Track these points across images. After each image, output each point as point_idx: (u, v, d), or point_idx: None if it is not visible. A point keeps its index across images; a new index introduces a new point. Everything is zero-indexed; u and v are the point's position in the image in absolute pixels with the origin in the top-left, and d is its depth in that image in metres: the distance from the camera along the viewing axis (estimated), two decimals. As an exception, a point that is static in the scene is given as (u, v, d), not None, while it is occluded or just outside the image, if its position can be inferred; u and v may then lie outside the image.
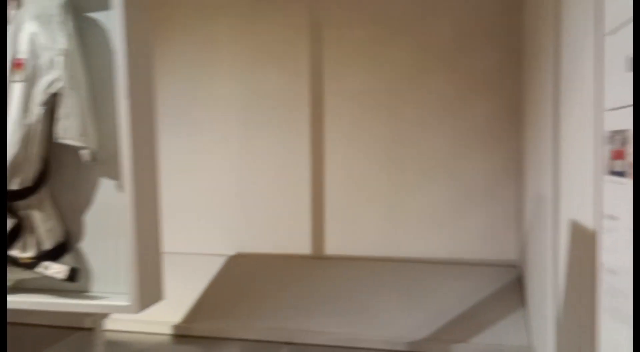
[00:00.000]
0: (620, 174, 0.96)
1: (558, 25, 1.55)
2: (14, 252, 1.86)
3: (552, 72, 1.62)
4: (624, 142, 0.94)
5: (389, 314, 3.03)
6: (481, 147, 3.44)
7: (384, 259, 3.66)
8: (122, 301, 1.82)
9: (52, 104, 1.77)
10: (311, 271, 3.62)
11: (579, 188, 1.23)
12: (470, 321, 2.86)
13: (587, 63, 1.16)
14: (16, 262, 1.87)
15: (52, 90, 1.75)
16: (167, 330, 3.17)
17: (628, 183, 0.91)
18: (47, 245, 1.89)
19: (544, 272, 1.78)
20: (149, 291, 1.86)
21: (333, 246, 3.78)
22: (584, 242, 1.22)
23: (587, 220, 1.19)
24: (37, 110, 1.77)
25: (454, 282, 3.24)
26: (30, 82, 1.77)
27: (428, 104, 3.50)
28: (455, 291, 3.15)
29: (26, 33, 1.76)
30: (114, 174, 1.84)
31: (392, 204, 3.64)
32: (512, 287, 3.13)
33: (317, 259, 3.81)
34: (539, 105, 1.97)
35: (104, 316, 2.01)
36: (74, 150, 1.78)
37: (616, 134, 0.97)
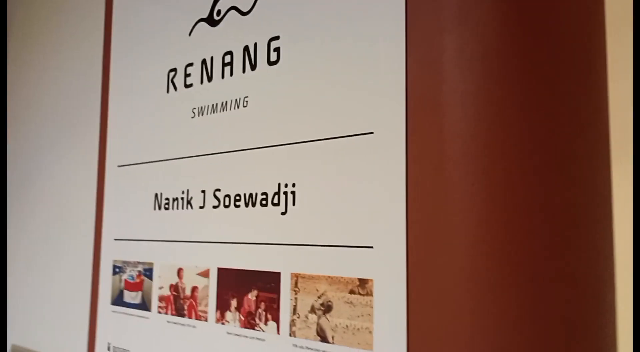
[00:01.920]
0: (133, 306, 0.94)
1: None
2: None
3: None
4: (138, 274, 0.94)
5: None
6: None
7: None
8: None
9: None
10: None
11: (76, 318, 1.13)
12: None
13: (91, 193, 1.10)
14: None
15: None
16: None
17: (140, 314, 0.92)
18: None
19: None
20: None
21: None
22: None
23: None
24: None
25: None
26: None
27: None
28: None
29: None
30: None
31: None
32: None
33: None
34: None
35: None
36: None
37: (129, 264, 0.96)
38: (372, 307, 0.59)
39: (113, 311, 0.98)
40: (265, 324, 0.70)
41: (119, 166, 1.01)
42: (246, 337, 0.73)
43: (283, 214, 0.70)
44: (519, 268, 0.52)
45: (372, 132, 0.62)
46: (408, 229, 0.57)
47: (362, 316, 0.60)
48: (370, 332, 0.59)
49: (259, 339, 0.71)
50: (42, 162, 1.30)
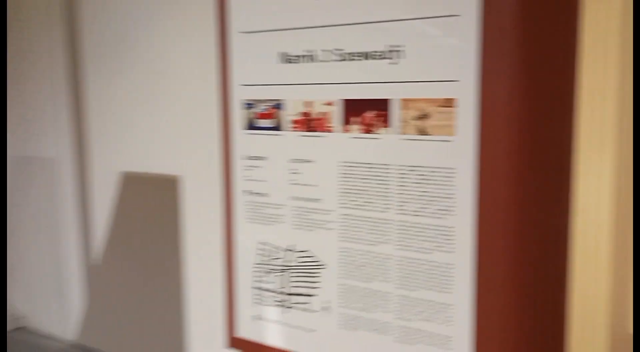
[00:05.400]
0: (267, 128, 1.39)
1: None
2: None
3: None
4: (269, 107, 1.37)
5: None
6: None
7: None
8: None
9: None
10: None
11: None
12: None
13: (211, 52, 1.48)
14: None
15: None
16: None
17: (276, 133, 1.37)
18: None
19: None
20: None
21: None
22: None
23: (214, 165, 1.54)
24: None
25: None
26: None
27: None
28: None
29: None
30: None
31: None
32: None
33: None
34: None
35: None
36: None
37: (259, 101, 1.39)
38: (454, 114, 1.10)
39: (246, 134, 1.44)
40: (380, 129, 1.21)
41: (240, 32, 1.41)
42: (365, 138, 1.23)
43: (394, 64, 1.17)
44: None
45: (459, 15, 1.07)
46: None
47: (449, 119, 1.11)
48: (452, 127, 1.11)
49: (375, 138, 1.22)
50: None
